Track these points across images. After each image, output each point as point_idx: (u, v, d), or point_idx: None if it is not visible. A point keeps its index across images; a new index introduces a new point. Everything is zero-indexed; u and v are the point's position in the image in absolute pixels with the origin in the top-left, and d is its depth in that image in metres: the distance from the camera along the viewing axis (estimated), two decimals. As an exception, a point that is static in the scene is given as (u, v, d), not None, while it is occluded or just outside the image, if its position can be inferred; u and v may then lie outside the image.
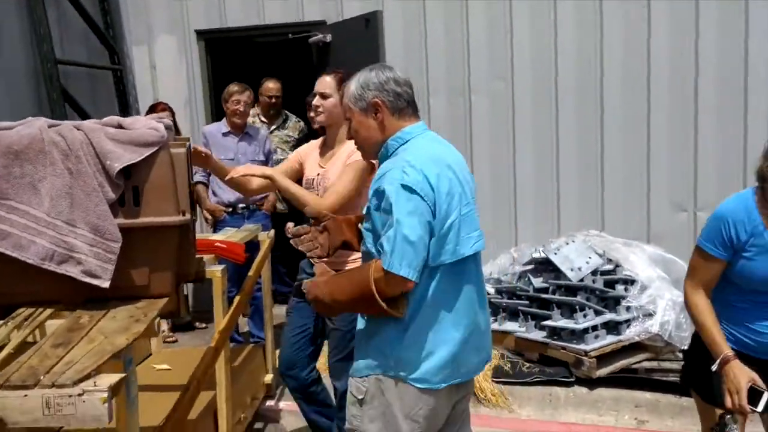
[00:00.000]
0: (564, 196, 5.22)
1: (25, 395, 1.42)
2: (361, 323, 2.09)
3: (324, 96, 2.77)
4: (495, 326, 4.33)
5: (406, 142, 2.05)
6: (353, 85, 2.07)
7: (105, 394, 1.44)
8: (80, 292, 1.92)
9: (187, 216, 2.00)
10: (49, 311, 1.88)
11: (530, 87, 5.19)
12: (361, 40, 5.05)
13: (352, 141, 2.26)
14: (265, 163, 4.66)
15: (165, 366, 3.65)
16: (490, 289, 4.55)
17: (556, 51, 5.11)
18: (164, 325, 4.86)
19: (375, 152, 2.12)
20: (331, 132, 2.84)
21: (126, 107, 5.76)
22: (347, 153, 2.69)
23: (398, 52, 5.35)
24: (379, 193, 1.94)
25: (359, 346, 2.09)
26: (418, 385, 1.97)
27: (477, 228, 2.04)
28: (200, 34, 5.84)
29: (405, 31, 5.36)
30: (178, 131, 4.74)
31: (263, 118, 5.49)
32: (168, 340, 4.93)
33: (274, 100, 5.44)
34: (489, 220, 5.26)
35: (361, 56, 5.04)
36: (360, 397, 2.03)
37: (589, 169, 5.14)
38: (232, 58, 6.85)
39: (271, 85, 5.44)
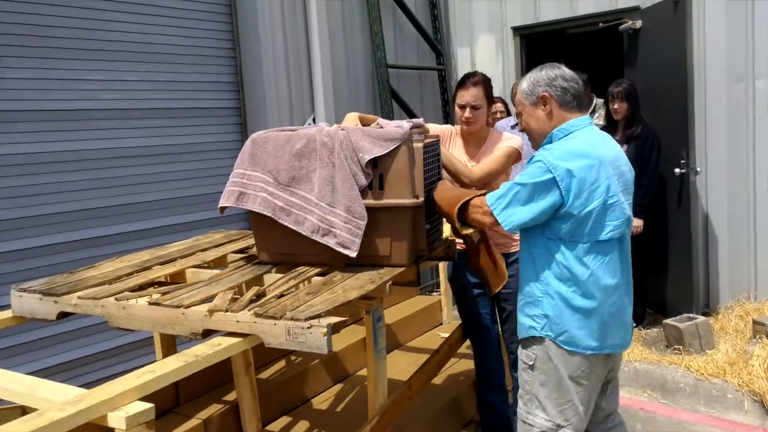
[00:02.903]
0: None
1: (275, 324, 1.97)
2: (518, 287, 2.38)
3: (476, 107, 2.93)
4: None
5: (570, 133, 2.23)
6: (525, 83, 2.32)
7: (324, 329, 1.91)
8: (342, 258, 2.46)
9: (420, 199, 2.40)
10: (317, 270, 2.46)
11: None
12: (670, 25, 4.85)
13: (502, 137, 2.76)
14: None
15: (447, 334, 4.14)
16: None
17: None
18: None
19: (543, 140, 2.32)
20: (478, 134, 3.02)
21: (447, 103, 6.43)
22: (498, 146, 2.95)
23: (719, 33, 5.00)
24: (531, 161, 2.23)
25: (519, 310, 2.36)
26: (574, 350, 2.21)
27: (620, 217, 2.19)
28: (516, 30, 6.22)
29: (728, 11, 4.96)
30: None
31: None
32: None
33: None
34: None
35: (670, 41, 4.86)
36: (530, 363, 2.29)
37: None
38: (546, 52, 7.04)
39: None
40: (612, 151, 2.27)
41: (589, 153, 2.19)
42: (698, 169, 4.82)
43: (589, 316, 2.21)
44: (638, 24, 5.26)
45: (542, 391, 2.28)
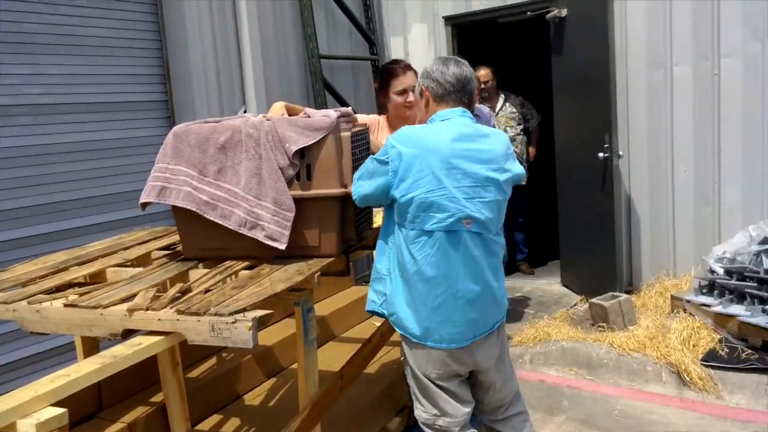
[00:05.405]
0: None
1: (198, 320, 1.92)
2: None
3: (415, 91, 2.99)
4: (719, 309, 4.05)
5: (433, 122, 2.33)
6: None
7: (249, 323, 1.87)
8: (271, 251, 2.42)
9: (348, 188, 2.38)
10: (245, 263, 2.42)
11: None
12: (593, 13, 4.96)
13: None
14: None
15: (382, 323, 4.15)
16: (718, 269, 4.22)
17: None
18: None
19: None
20: (407, 122, 3.06)
21: (381, 93, 6.42)
22: None
23: (639, 21, 5.14)
24: None
25: (370, 285, 2.48)
26: (403, 333, 2.32)
27: (448, 212, 2.19)
28: (447, 19, 6.25)
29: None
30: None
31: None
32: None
33: (483, 85, 5.83)
34: (738, 192, 4.86)
35: (594, 29, 4.97)
36: (402, 358, 2.46)
37: None
38: (478, 41, 7.13)
39: (481, 72, 5.80)
40: (459, 146, 2.22)
41: (421, 143, 2.22)
42: (621, 153, 4.96)
43: (411, 304, 2.26)
44: (563, 12, 5.35)
45: (411, 383, 2.39)
